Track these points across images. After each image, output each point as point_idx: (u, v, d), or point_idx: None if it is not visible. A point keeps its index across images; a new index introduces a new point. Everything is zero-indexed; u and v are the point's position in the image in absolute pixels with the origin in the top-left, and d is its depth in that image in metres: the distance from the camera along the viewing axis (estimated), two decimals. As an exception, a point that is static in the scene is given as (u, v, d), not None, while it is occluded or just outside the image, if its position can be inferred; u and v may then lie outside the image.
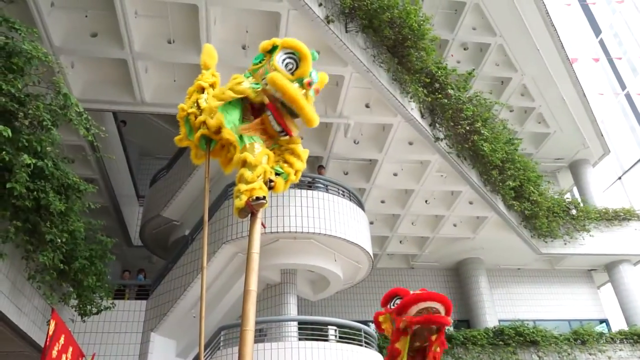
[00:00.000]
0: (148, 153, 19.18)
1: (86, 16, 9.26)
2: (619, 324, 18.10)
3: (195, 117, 3.85)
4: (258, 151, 3.67)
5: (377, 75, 10.50)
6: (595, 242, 17.48)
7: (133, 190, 16.91)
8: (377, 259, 17.45)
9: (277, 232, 10.28)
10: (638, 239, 18.09)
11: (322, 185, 11.28)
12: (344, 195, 11.44)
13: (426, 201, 15.19)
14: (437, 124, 12.29)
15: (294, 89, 3.76)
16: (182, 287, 10.76)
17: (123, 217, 15.27)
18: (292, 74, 3.71)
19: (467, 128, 12.29)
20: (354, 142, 12.71)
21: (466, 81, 12.40)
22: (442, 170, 13.75)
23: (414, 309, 5.36)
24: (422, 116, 11.94)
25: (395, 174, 14.04)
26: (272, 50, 3.80)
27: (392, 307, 5.81)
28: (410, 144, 12.90)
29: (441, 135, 12.37)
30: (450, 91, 11.77)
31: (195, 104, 3.92)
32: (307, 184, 11.23)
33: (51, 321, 6.45)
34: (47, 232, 6.46)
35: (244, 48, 9.99)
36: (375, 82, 10.55)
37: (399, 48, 10.60)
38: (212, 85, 4.14)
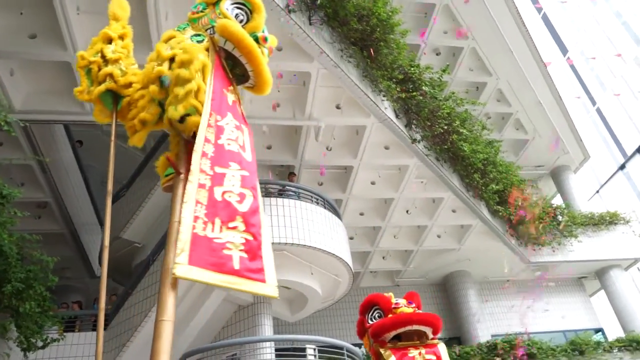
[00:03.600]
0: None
1: (21, 13, 8.41)
2: (614, 331, 17.31)
3: (99, 69, 3.21)
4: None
5: (346, 71, 9.81)
6: (584, 248, 16.85)
7: (95, 217, 15.76)
8: (359, 277, 16.49)
9: (245, 244, 9.31)
10: (626, 242, 17.53)
11: (293, 193, 10.43)
12: (317, 203, 10.59)
13: (407, 211, 14.40)
14: (413, 125, 11.61)
15: (249, 38, 3.14)
16: (142, 313, 9.65)
17: (83, 246, 14.10)
18: (243, 27, 3.16)
19: (445, 127, 11.64)
20: (327, 148, 11.92)
21: (441, 79, 11.80)
22: (422, 175, 13.02)
23: (390, 334, 4.56)
24: (397, 116, 11.26)
25: (372, 183, 13.26)
26: (217, 2, 3.22)
27: (370, 320, 4.94)
28: (387, 148, 12.18)
29: (418, 137, 11.68)
30: (425, 88, 11.14)
31: (100, 54, 3.26)
32: (277, 192, 10.37)
33: None
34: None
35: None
36: (344, 78, 9.86)
37: (368, 41, 9.96)
38: (122, 37, 3.43)
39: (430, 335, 4.62)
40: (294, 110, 10.68)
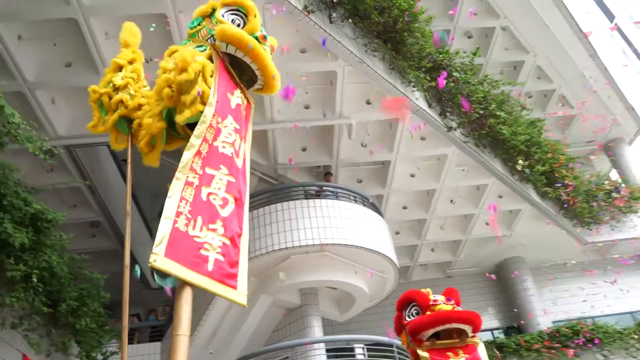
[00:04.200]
0: (161, 193, 18.66)
1: (55, 44, 8.81)
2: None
3: (110, 98, 3.31)
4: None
5: (372, 66, 9.70)
6: (647, 223, 15.91)
7: (146, 232, 16.29)
8: (409, 271, 16.28)
9: (287, 247, 9.40)
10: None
11: (330, 193, 10.41)
12: (356, 201, 10.52)
13: (451, 201, 14.07)
14: (447, 113, 11.34)
15: (249, 37, 3.23)
16: (194, 322, 9.89)
17: (137, 260, 14.61)
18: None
19: (481, 112, 11.29)
20: (362, 144, 11.83)
21: (472, 62, 11.46)
22: (462, 163, 12.70)
23: (428, 332, 4.45)
24: (430, 105, 11.03)
25: (412, 175, 13.04)
26: (212, 14, 3.35)
27: (408, 317, 4.83)
28: (423, 139, 11.95)
29: (454, 124, 11.40)
30: (456, 74, 10.85)
31: (110, 84, 3.35)
32: (315, 193, 10.38)
33: None
34: (9, 269, 5.75)
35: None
36: (371, 73, 9.76)
37: (391, 33, 9.81)
38: (132, 62, 3.52)
39: (470, 334, 4.49)
40: (324, 110, 10.66)
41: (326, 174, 11.72)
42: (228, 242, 2.84)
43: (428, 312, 4.59)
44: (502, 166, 12.74)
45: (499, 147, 12.30)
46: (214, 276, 2.73)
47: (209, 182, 2.91)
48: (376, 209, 11.11)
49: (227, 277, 2.78)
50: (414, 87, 10.47)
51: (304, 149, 11.68)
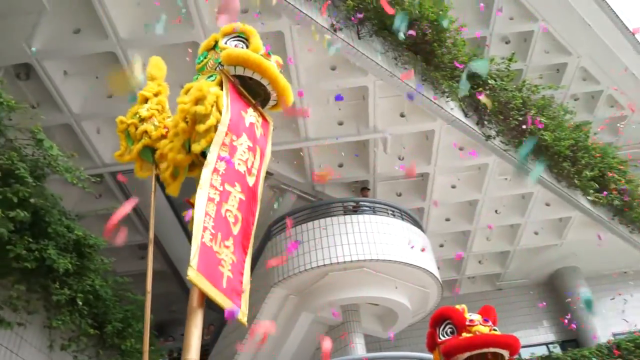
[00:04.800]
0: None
1: (97, 77, 9.29)
2: None
3: (136, 128, 3.45)
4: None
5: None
6: None
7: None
8: (456, 285, 15.86)
9: (325, 265, 9.40)
10: None
11: (368, 208, 10.35)
12: (394, 215, 10.41)
13: (496, 211, 13.67)
14: (485, 121, 11.10)
15: (255, 54, 3.32)
16: (233, 343, 10.02)
17: (183, 281, 14.99)
18: None
19: (520, 119, 10.98)
20: (398, 158, 11.73)
21: (509, 68, 11.20)
22: (505, 172, 12.35)
23: (464, 356, 4.33)
24: (466, 115, 10.84)
25: (453, 186, 12.79)
26: (215, 46, 3.50)
27: (442, 335, 4.72)
28: (461, 149, 11.71)
29: (493, 133, 11.14)
30: (491, 82, 10.63)
31: (137, 115, 3.51)
32: (351, 209, 10.36)
33: None
34: (55, 294, 6.04)
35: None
36: (402, 86, 9.71)
37: (421, 45, 9.75)
38: (157, 94, 3.69)
39: (506, 357, 4.36)
40: (358, 126, 10.67)
41: (362, 189, 11.68)
42: (236, 261, 2.90)
43: (464, 333, 4.47)
44: (547, 172, 12.30)
45: (542, 153, 11.89)
46: (227, 293, 2.78)
47: (226, 199, 2.98)
48: (415, 222, 10.95)
49: (236, 295, 2.82)
50: (447, 97, 10.33)
51: (340, 165, 11.71)
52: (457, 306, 5.05)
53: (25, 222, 5.62)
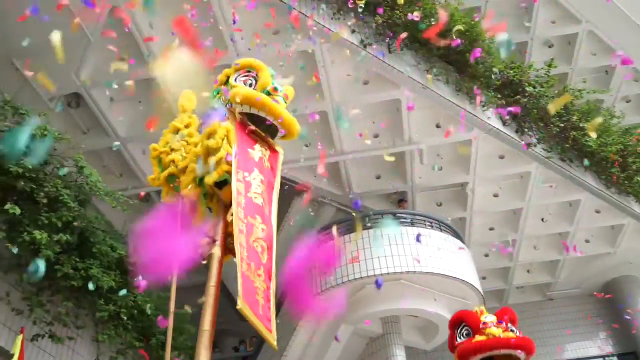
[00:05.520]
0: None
1: (140, 102, 9.80)
2: None
3: (167, 156, 3.67)
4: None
5: (437, 90, 9.65)
6: None
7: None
8: (505, 295, 15.47)
9: (362, 277, 9.46)
10: None
11: (405, 220, 10.34)
12: (432, 227, 10.35)
13: (542, 219, 13.28)
14: (525, 129, 10.86)
15: (260, 95, 3.57)
16: (278, 354, 10.22)
17: (230, 293, 15.40)
18: (255, 89, 3.59)
19: (562, 125, 10.68)
20: (438, 168, 11.63)
21: (548, 74, 10.92)
22: (550, 179, 11.98)
23: (477, 357, 4.41)
24: (505, 124, 10.66)
25: (495, 195, 12.53)
26: (227, 82, 3.74)
27: (459, 338, 4.82)
28: (502, 157, 11.49)
29: (534, 140, 10.88)
30: (529, 89, 10.40)
31: (168, 145, 3.76)
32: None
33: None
34: (100, 310, 6.44)
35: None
36: (436, 98, 9.71)
37: (454, 56, 9.70)
38: (187, 126, 3.98)
39: (522, 359, 4.39)
40: (394, 138, 10.71)
41: (400, 201, 11.67)
42: (267, 288, 3.08)
43: (478, 336, 4.55)
44: (595, 179, 11.86)
45: (589, 160, 11.47)
46: (262, 319, 2.97)
47: (251, 230, 3.19)
48: (455, 233, 10.83)
49: (268, 321, 3.00)
50: (484, 107, 10.20)
51: (378, 177, 11.76)
52: (476, 308, 5.12)
53: (72, 243, 6.05)
